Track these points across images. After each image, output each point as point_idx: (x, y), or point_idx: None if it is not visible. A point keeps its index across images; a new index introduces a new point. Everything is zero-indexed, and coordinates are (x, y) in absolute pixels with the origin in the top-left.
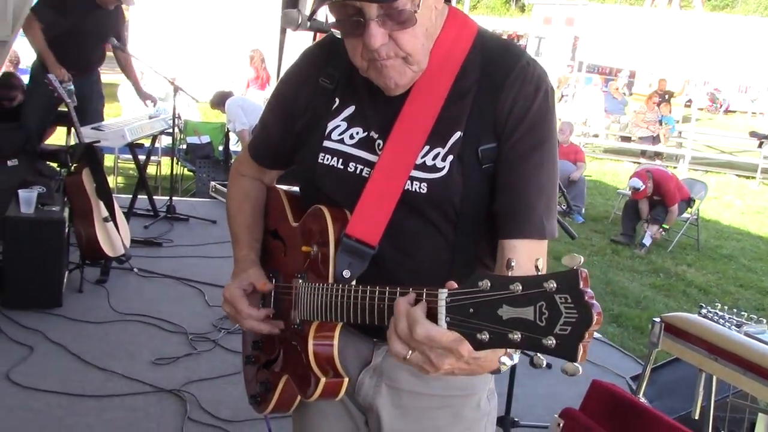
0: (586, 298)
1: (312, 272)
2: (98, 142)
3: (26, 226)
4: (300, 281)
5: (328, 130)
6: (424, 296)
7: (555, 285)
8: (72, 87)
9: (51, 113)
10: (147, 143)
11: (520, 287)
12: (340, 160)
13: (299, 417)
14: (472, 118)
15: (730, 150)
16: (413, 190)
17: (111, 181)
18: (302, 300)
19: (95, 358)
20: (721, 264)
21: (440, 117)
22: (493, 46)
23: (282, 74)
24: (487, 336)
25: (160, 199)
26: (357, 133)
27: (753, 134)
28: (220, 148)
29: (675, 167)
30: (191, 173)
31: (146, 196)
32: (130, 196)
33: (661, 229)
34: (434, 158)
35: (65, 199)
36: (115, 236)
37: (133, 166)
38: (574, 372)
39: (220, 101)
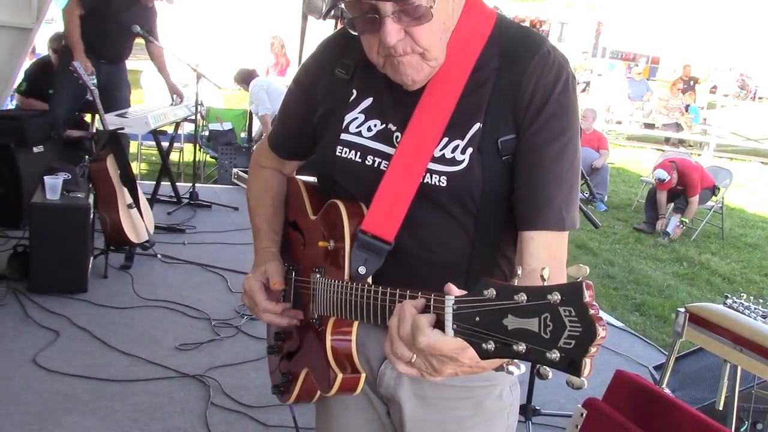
0: (591, 312)
1: (329, 267)
2: (122, 129)
3: (52, 212)
4: (318, 276)
5: (345, 123)
6: (432, 302)
7: (559, 297)
8: (95, 80)
9: (79, 101)
10: (170, 130)
11: (525, 297)
12: (358, 153)
13: (322, 406)
14: (491, 108)
15: (756, 137)
16: (432, 183)
17: (134, 167)
18: (320, 295)
19: (120, 343)
20: (746, 253)
21: (458, 108)
22: (512, 34)
23: (302, 61)
24: (493, 346)
25: (183, 185)
26: (375, 126)
27: None
28: (242, 134)
29: (699, 154)
30: (213, 160)
31: (169, 183)
32: (154, 182)
33: (681, 224)
34: (453, 151)
35: (90, 185)
36: (139, 222)
37: (156, 152)
38: (580, 386)
39: (243, 78)
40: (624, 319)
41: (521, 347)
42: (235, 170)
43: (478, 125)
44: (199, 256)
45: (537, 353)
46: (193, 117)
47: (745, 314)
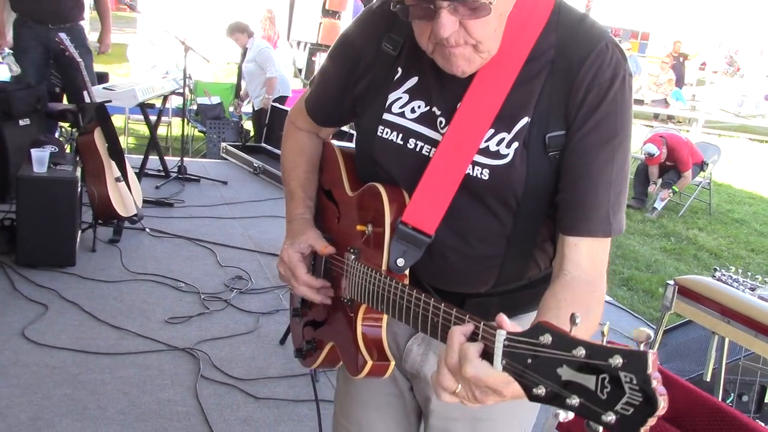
0: (654, 384)
1: (365, 252)
2: (109, 102)
3: (39, 185)
4: (352, 257)
5: (388, 102)
6: (481, 330)
7: (621, 361)
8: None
9: (46, 68)
10: (158, 104)
11: (584, 352)
12: (400, 135)
13: (344, 373)
14: (541, 102)
15: (745, 114)
16: (474, 175)
17: (122, 141)
18: (353, 278)
19: (109, 316)
20: (733, 228)
21: (508, 99)
22: (571, 24)
23: (346, 29)
24: (544, 391)
25: (171, 159)
26: (419, 107)
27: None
28: (231, 108)
29: (688, 130)
30: (202, 134)
31: (157, 157)
32: (141, 156)
33: (670, 191)
34: (498, 143)
35: (77, 158)
36: (127, 196)
37: (143, 126)
38: None
39: (239, 28)
40: (612, 293)
41: (574, 401)
42: (223, 144)
43: (526, 119)
44: (188, 230)
45: (591, 412)
46: (181, 90)
47: (733, 287)
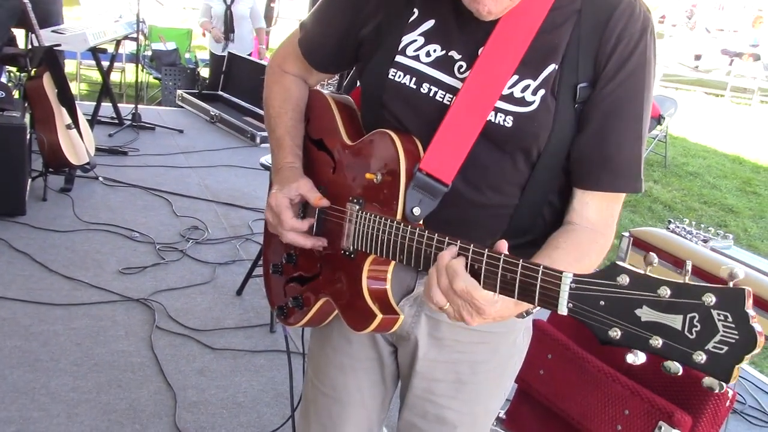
0: (751, 321)
1: (373, 201)
2: (59, 45)
3: None
4: (357, 207)
5: (402, 44)
6: (540, 274)
7: (714, 299)
8: None
9: (13, 17)
10: (110, 48)
11: (669, 292)
12: (413, 79)
13: (322, 335)
14: (570, 51)
15: (702, 68)
16: (497, 122)
17: (73, 87)
18: (357, 228)
19: (61, 267)
20: (687, 181)
21: (533, 46)
22: None
23: None
24: (619, 333)
25: (125, 107)
26: (434, 51)
27: (725, 52)
28: (187, 55)
29: None
30: (157, 81)
31: (110, 104)
32: (94, 103)
33: None
34: (523, 90)
35: (26, 104)
36: (78, 144)
37: (96, 72)
38: (715, 389)
39: None
40: None
41: (657, 342)
42: (179, 92)
43: (553, 66)
44: (143, 179)
45: (678, 352)
46: (135, 35)
47: (687, 239)
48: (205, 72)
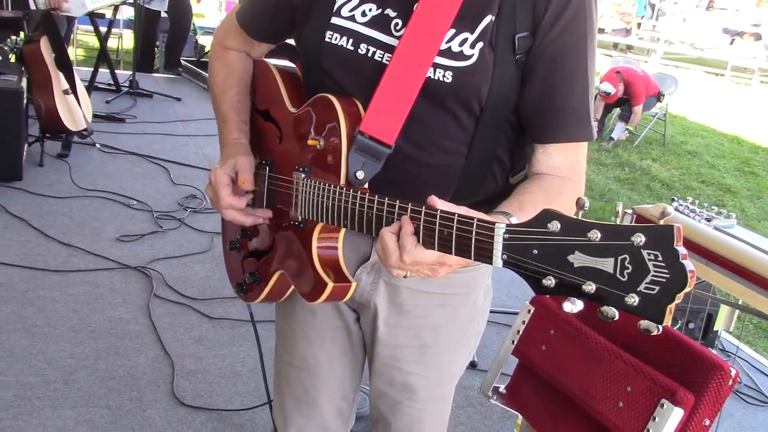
0: (681, 258)
1: (317, 168)
2: (56, 9)
3: None
4: (303, 176)
5: (337, 5)
6: (474, 227)
7: (644, 239)
8: None
9: None
10: (108, 14)
11: (599, 235)
12: (350, 41)
13: (285, 309)
14: (506, 1)
15: (703, 46)
16: (436, 78)
17: (70, 52)
18: (304, 197)
19: (58, 233)
20: (685, 160)
21: None
22: None
23: None
24: (553, 281)
25: (123, 73)
26: (370, 10)
27: (726, 30)
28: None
29: (646, 61)
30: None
31: (108, 70)
32: (91, 69)
33: (625, 132)
34: (461, 44)
35: (23, 68)
36: (76, 109)
37: (93, 38)
38: (652, 331)
39: None
40: None
41: (590, 287)
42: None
43: (489, 18)
44: (141, 146)
45: (611, 296)
46: (133, 1)
47: (690, 217)
48: (203, 40)
